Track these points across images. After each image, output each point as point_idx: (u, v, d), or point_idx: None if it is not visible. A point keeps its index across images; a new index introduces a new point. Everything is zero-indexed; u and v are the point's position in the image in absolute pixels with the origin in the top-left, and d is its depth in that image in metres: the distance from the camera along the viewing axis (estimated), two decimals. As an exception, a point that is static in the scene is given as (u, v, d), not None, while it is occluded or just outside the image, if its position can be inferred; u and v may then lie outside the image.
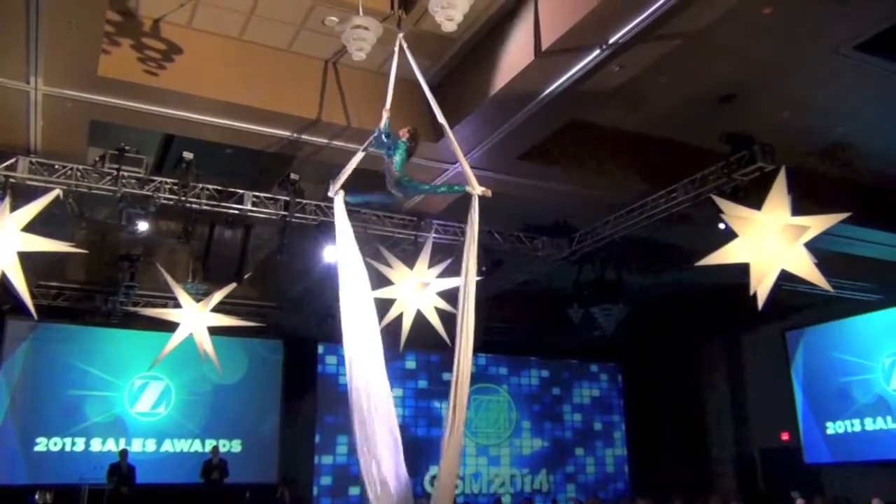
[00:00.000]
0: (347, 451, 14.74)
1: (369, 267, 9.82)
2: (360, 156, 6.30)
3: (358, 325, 5.76)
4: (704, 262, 7.96)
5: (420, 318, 9.81)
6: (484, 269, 10.85)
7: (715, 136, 8.59)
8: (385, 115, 5.96)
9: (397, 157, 5.93)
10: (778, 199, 7.57)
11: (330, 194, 6.30)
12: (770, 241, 7.60)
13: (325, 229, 9.61)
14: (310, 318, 14.06)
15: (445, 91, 8.31)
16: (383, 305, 10.04)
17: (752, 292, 7.76)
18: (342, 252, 6.12)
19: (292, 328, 14.65)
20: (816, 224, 7.52)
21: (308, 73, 7.91)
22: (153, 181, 8.90)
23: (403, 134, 5.97)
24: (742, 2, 6.38)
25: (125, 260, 11.33)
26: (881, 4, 6.76)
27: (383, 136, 5.91)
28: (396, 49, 6.23)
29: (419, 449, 15.21)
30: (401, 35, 6.29)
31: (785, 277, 7.75)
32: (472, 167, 8.83)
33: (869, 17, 6.93)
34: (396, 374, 15.91)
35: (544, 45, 6.67)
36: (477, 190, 5.84)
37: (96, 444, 13.26)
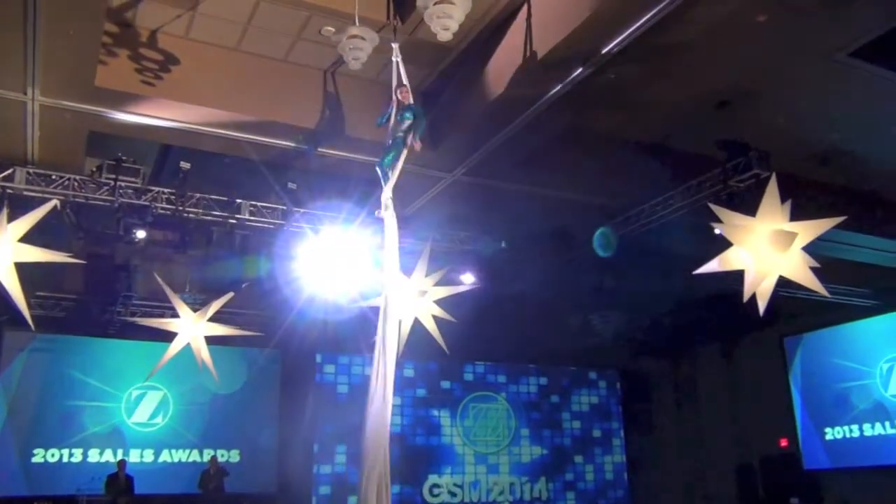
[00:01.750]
0: (346, 460, 14.70)
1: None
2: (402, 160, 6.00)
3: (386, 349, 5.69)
4: (701, 271, 7.98)
5: (418, 327, 9.79)
6: (481, 276, 10.90)
7: (711, 143, 8.61)
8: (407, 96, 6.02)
9: (409, 118, 5.93)
10: (771, 206, 7.59)
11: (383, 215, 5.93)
12: (765, 248, 7.62)
13: (322, 238, 9.61)
14: (308, 327, 14.04)
15: (442, 99, 8.35)
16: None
17: (745, 299, 7.79)
18: (389, 272, 5.89)
19: (290, 337, 14.62)
20: (810, 230, 7.54)
21: (305, 83, 7.93)
22: (150, 191, 8.92)
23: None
24: (737, 9, 6.43)
25: (122, 270, 11.34)
26: (875, 12, 6.80)
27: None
28: (394, 59, 6.25)
29: (418, 457, 15.21)
30: (396, 45, 6.31)
31: (782, 283, 7.77)
32: (469, 175, 9.03)
33: (863, 24, 6.97)
34: (395, 383, 15.86)
35: (540, 54, 6.70)
36: (384, 198, 5.85)
37: (94, 455, 13.21)
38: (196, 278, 11.06)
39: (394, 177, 5.92)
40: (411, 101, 6.07)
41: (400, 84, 6.05)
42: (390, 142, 6.00)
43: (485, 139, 8.20)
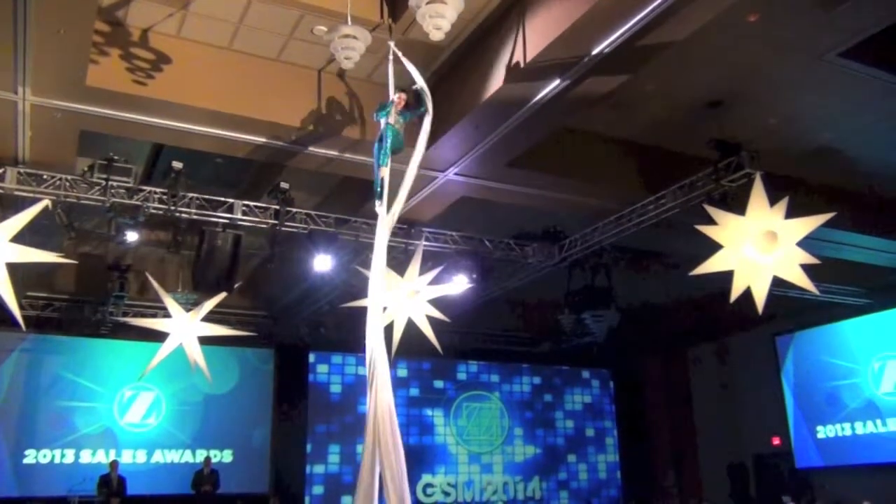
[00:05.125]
0: (339, 460, 14.71)
1: (360, 275, 9.91)
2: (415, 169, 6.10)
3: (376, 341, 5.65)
4: (696, 273, 8.03)
5: (411, 326, 9.80)
6: (474, 276, 10.90)
7: (703, 143, 8.64)
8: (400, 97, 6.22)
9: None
10: (759, 206, 7.64)
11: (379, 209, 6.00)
12: (754, 247, 7.67)
13: (315, 238, 9.60)
14: (301, 326, 14.04)
15: (435, 99, 8.30)
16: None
17: (732, 299, 7.84)
18: (376, 269, 5.90)
19: (283, 337, 14.62)
20: (798, 228, 7.59)
21: (297, 83, 7.91)
22: (142, 191, 8.88)
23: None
24: (729, 10, 6.45)
25: (114, 270, 11.31)
26: (866, 12, 6.83)
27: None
28: (390, 57, 6.27)
29: (411, 457, 15.03)
30: (392, 43, 6.31)
31: (774, 282, 7.81)
32: (462, 174, 9.04)
33: (854, 24, 7.00)
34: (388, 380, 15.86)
35: (532, 53, 6.70)
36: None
37: (86, 456, 13.17)
38: (188, 278, 11.01)
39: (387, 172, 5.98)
40: (408, 105, 6.22)
41: (400, 89, 6.16)
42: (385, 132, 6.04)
43: (477, 139, 8.20)
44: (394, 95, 6.19)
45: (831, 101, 8.41)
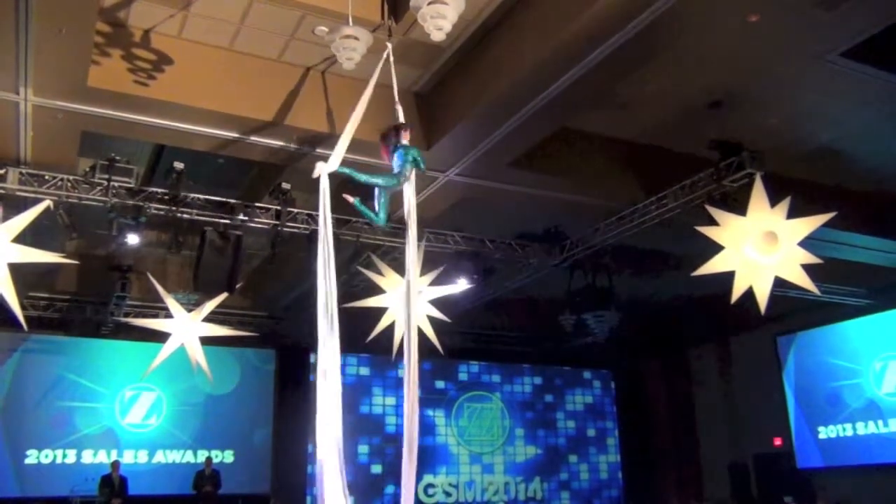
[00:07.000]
0: (340, 460, 14.69)
1: (361, 275, 9.94)
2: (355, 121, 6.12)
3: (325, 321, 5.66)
4: (698, 273, 8.05)
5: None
6: (475, 276, 10.91)
7: (704, 143, 8.64)
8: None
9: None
10: (760, 206, 7.66)
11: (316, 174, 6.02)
12: (755, 248, 7.69)
13: (317, 238, 9.60)
14: (302, 327, 14.03)
15: (436, 99, 8.36)
16: (375, 314, 10.07)
17: (732, 300, 7.85)
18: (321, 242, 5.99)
19: (284, 337, 14.62)
20: (799, 228, 7.60)
21: (298, 83, 7.92)
22: (144, 191, 8.89)
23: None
24: (730, 9, 6.46)
25: (116, 270, 11.31)
26: (867, 12, 6.83)
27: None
28: (385, 57, 6.28)
29: (412, 457, 15.19)
30: (389, 46, 6.32)
31: (775, 283, 7.82)
32: (463, 175, 9.04)
33: (855, 24, 7.00)
34: (389, 383, 15.90)
35: (532, 55, 6.71)
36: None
37: (87, 456, 13.19)
38: (189, 278, 11.03)
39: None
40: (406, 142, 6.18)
41: (404, 126, 6.18)
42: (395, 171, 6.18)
43: (478, 139, 8.21)
44: (405, 136, 6.18)
45: (832, 101, 8.41)
